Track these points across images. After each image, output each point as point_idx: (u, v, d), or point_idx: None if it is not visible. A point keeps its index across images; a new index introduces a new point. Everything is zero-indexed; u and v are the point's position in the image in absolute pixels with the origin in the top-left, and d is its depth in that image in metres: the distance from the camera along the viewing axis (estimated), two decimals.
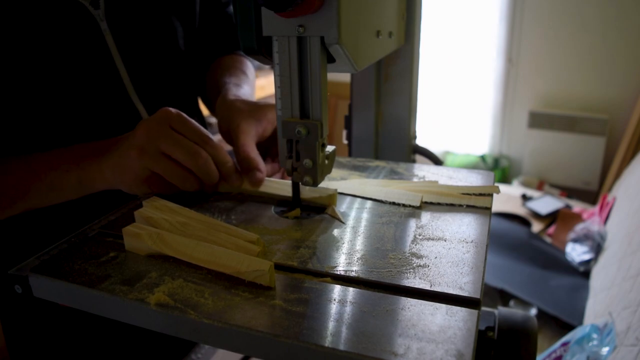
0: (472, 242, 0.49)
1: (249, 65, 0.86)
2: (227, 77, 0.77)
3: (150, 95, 0.71)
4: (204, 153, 0.55)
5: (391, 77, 0.81)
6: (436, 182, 0.63)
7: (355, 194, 0.61)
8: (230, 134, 0.62)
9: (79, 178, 0.58)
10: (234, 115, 0.63)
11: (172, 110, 0.56)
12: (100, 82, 0.66)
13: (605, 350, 0.98)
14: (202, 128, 0.57)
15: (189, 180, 0.55)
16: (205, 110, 0.93)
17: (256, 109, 0.64)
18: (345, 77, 0.87)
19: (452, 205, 0.57)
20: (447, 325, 0.37)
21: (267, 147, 0.66)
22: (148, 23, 0.70)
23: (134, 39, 0.69)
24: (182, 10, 0.75)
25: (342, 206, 0.58)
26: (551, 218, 1.99)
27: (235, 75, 0.79)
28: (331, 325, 0.37)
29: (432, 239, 0.50)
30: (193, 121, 0.57)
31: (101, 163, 0.56)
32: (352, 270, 0.44)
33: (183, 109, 0.62)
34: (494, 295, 1.48)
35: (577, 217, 1.90)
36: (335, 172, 0.67)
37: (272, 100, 0.53)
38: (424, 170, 0.69)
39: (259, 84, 3.00)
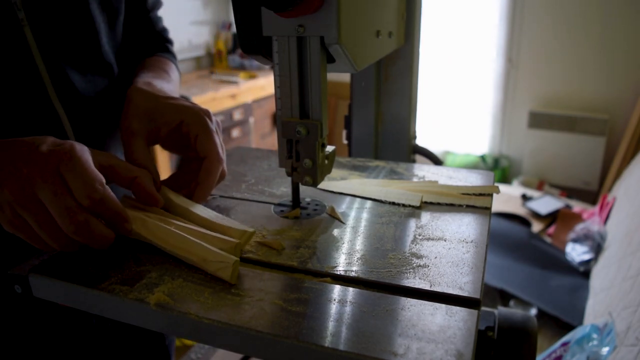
0: (472, 242, 0.49)
1: (173, 66, 0.82)
2: (144, 72, 0.72)
3: (71, 96, 0.67)
4: (80, 217, 0.45)
5: (391, 77, 0.81)
6: (436, 182, 0.63)
7: (355, 194, 0.61)
8: (122, 129, 0.56)
9: None
10: (129, 109, 0.57)
11: (69, 147, 0.47)
12: (18, 78, 0.62)
13: (605, 350, 0.98)
14: (95, 177, 0.46)
15: (61, 238, 0.46)
16: None
17: (155, 106, 0.58)
18: (345, 77, 0.87)
19: (452, 205, 0.57)
20: (447, 325, 0.37)
21: (171, 146, 0.61)
22: (68, 15, 0.65)
23: (53, 32, 0.64)
24: (105, 4, 0.70)
25: (342, 206, 0.58)
26: (551, 218, 1.99)
27: (155, 71, 0.74)
28: (331, 325, 0.37)
29: (432, 239, 0.50)
30: (88, 166, 0.47)
31: None
32: (352, 270, 0.44)
33: (106, 114, 0.58)
34: (494, 295, 1.48)
35: (577, 217, 1.90)
36: (335, 172, 0.67)
37: (273, 100, 0.52)
38: (424, 170, 0.69)
39: (258, 84, 3.00)
